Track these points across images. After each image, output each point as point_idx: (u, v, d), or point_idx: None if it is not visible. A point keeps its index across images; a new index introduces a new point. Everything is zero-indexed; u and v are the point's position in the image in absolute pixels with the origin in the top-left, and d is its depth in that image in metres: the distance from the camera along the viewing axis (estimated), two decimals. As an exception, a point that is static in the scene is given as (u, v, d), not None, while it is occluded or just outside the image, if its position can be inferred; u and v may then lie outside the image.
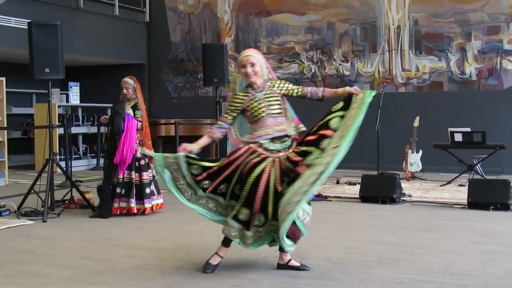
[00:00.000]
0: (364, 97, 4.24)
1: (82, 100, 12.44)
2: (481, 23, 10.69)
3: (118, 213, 6.57)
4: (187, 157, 4.27)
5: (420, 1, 11.10)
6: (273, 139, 4.23)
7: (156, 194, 6.78)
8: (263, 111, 4.24)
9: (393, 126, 10.36)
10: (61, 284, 4.01)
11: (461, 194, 7.65)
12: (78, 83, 12.36)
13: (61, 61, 6.78)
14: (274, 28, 12.36)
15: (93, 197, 7.18)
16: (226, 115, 4.35)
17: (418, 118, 9.64)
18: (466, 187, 7.19)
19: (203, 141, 4.36)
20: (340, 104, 4.30)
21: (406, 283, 3.93)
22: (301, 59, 12.12)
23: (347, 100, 4.29)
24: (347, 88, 4.37)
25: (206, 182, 4.26)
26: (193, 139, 12.18)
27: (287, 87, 4.37)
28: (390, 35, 11.36)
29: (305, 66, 12.10)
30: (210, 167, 4.27)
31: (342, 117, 4.21)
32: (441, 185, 8.79)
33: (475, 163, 8.93)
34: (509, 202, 6.75)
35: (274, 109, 4.27)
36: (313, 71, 12.02)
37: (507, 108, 9.79)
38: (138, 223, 6.22)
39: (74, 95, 12.24)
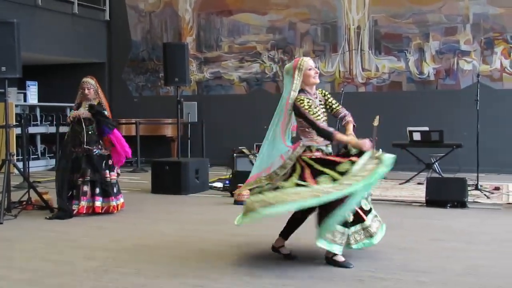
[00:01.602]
0: (384, 164, 4.45)
1: (40, 99, 12.22)
2: (438, 24, 10.89)
3: (84, 212, 6.50)
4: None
5: (379, 2, 11.25)
6: (328, 144, 4.55)
7: (119, 194, 6.77)
8: (322, 117, 4.49)
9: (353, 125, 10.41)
10: (19, 287, 3.93)
11: (419, 192, 7.77)
12: (36, 82, 12.15)
13: (18, 59, 6.65)
14: (235, 27, 12.36)
15: (51, 198, 7.06)
16: (318, 118, 4.43)
17: (378, 117, 9.73)
18: (424, 185, 7.30)
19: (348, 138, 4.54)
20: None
21: (365, 280, 3.98)
22: (263, 59, 12.15)
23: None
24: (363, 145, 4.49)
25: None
26: (154, 139, 12.15)
27: (331, 101, 4.66)
28: (350, 35, 11.48)
29: (266, 66, 12.13)
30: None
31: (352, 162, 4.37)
32: (400, 184, 8.92)
33: (433, 161, 9.08)
34: (465, 199, 6.89)
35: (326, 116, 4.59)
36: (274, 70, 12.06)
37: (464, 107, 9.97)
38: (98, 224, 6.14)
39: (32, 94, 12.02)
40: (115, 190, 6.72)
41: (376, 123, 9.70)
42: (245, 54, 12.28)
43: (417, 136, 9.06)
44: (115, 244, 5.18)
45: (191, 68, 12.08)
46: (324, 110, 4.58)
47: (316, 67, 4.59)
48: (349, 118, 4.68)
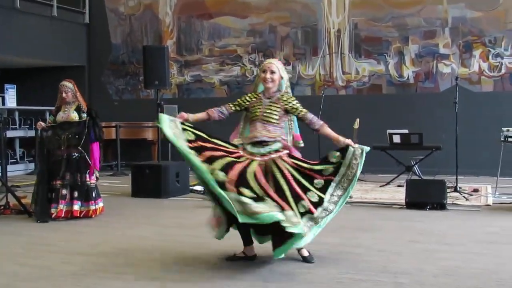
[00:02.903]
0: (362, 156, 4.57)
1: (19, 103, 12.10)
2: (418, 28, 10.98)
3: (62, 215, 6.45)
4: (183, 123, 4.54)
5: (359, 5, 11.31)
6: (255, 143, 4.48)
7: (98, 198, 6.72)
8: (257, 115, 4.52)
9: (333, 128, 10.42)
10: (-5, 292, 3.89)
11: (399, 195, 7.81)
12: (15, 86, 12.02)
13: (-5, 62, 6.58)
14: (216, 30, 12.35)
15: (29, 202, 6.98)
16: (231, 105, 4.66)
17: (358, 120, 9.79)
18: (404, 188, 7.34)
19: (200, 115, 4.68)
20: (337, 155, 4.62)
21: (344, 282, 3.99)
22: (243, 62, 12.16)
23: (344, 150, 4.60)
24: (346, 140, 4.62)
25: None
26: (134, 142, 12.08)
27: (293, 105, 4.61)
28: (330, 38, 11.53)
29: (247, 69, 12.14)
30: (202, 138, 4.49)
31: (335, 167, 4.57)
32: (380, 186, 8.97)
33: (412, 164, 9.14)
34: (445, 201, 6.95)
35: (268, 117, 4.51)
36: (255, 73, 12.06)
37: (443, 110, 10.04)
38: (77, 228, 6.10)
39: (11, 98, 11.88)
40: (94, 195, 6.67)
41: (356, 125, 9.76)
42: (225, 57, 12.28)
43: (397, 139, 9.12)
44: (93, 248, 5.15)
45: (171, 71, 12.05)
46: (277, 112, 4.53)
47: (271, 72, 4.54)
48: (319, 121, 4.68)
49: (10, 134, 11.54)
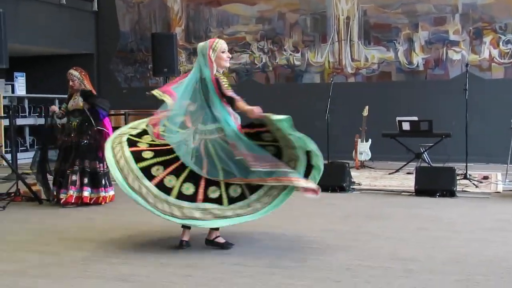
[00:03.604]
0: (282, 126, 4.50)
1: (28, 91, 12.14)
2: (427, 14, 10.89)
3: (72, 201, 6.49)
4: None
5: (368, -8, 11.24)
6: None
7: (109, 186, 6.74)
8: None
9: (342, 115, 10.46)
10: (6, 278, 3.92)
11: (409, 182, 7.80)
12: (24, 74, 12.06)
13: (4, 50, 6.61)
14: (224, 18, 12.31)
15: (40, 189, 7.03)
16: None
17: (367, 107, 9.78)
18: (414, 175, 7.33)
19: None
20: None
21: (353, 269, 3.99)
22: (252, 49, 12.12)
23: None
24: (253, 111, 4.46)
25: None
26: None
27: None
28: (339, 25, 11.47)
29: (256, 56, 12.10)
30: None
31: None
32: (389, 173, 8.95)
33: (422, 151, 9.11)
34: (454, 188, 6.93)
35: None
36: (264, 61, 12.03)
37: (453, 97, 9.99)
38: (87, 215, 6.13)
39: (20, 86, 11.94)
40: (104, 182, 6.69)
41: (365, 113, 9.75)
42: (234, 45, 12.24)
43: (406, 126, 9.09)
44: (102, 235, 5.17)
45: (180, 59, 12.02)
46: None
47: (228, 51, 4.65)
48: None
49: (19, 122, 11.59)
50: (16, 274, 4.01)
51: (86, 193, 6.55)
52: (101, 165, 6.64)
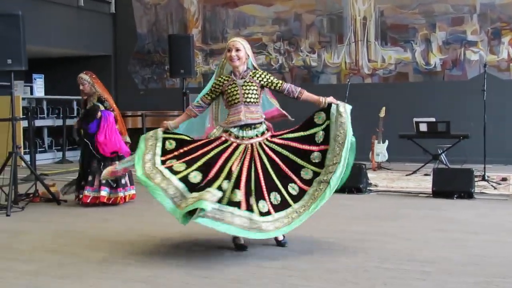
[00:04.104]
0: (347, 114, 4.54)
1: (47, 92, 12.24)
2: (445, 14, 10.82)
3: (88, 201, 6.54)
4: (164, 132, 4.58)
5: (385, -8, 11.19)
6: (242, 126, 4.45)
7: (129, 185, 6.78)
8: (237, 98, 4.47)
9: (359, 116, 10.34)
10: (24, 278, 3.95)
11: (426, 183, 7.74)
12: (43, 75, 12.17)
13: (23, 52, 6.65)
14: (241, 19, 12.33)
15: (58, 190, 7.09)
16: (206, 95, 4.62)
17: (384, 108, 9.74)
18: (431, 176, 7.27)
19: (181, 118, 4.68)
20: (323, 116, 4.57)
21: (371, 271, 3.97)
22: (268, 50, 12.12)
23: (327, 110, 4.56)
24: (327, 99, 4.59)
25: (174, 160, 4.40)
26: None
27: (268, 78, 4.57)
28: (356, 26, 11.43)
29: (272, 57, 12.10)
30: (184, 142, 4.50)
31: (324, 129, 4.52)
32: (406, 175, 8.90)
33: (439, 152, 9.05)
34: (472, 190, 6.87)
35: (250, 98, 4.48)
36: (280, 62, 12.03)
37: (471, 98, 9.90)
38: (105, 215, 6.16)
39: (39, 87, 12.04)
40: (123, 181, 6.72)
41: (382, 114, 9.70)
42: (251, 46, 12.20)
43: (423, 127, 9.03)
44: (120, 235, 5.19)
45: (196, 60, 12.06)
46: (255, 90, 4.50)
47: (236, 49, 4.47)
48: (297, 88, 4.65)
49: (38, 123, 11.69)
50: (34, 273, 4.04)
51: (104, 192, 6.59)
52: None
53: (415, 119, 9.16)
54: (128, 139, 6.91)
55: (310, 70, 11.79)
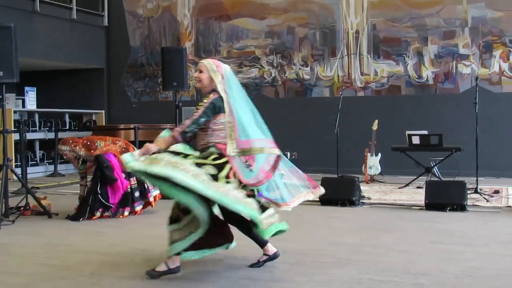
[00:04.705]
0: None
1: (39, 105, 12.20)
2: (437, 28, 10.88)
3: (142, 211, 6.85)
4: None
5: (378, 6, 11.25)
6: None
7: (152, 187, 6.92)
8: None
9: (352, 129, 10.44)
10: (15, 291, 3.91)
11: (419, 196, 7.74)
12: (35, 88, 12.12)
13: (15, 64, 6.62)
14: (234, 32, 12.36)
15: (50, 203, 7.04)
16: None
17: (376, 121, 9.76)
18: (424, 189, 7.27)
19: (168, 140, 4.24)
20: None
21: (364, 283, 3.95)
22: (261, 64, 12.14)
23: None
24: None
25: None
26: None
27: (199, 105, 4.25)
28: (349, 39, 11.47)
29: (265, 71, 12.12)
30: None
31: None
32: (399, 187, 8.90)
33: (432, 165, 9.06)
34: (465, 203, 6.87)
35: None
36: (273, 75, 12.05)
37: (463, 111, 9.96)
38: (97, 228, 6.11)
39: (31, 100, 11.98)
40: (137, 195, 6.84)
41: (375, 127, 9.72)
42: (243, 59, 12.28)
43: (416, 140, 9.04)
44: (112, 248, 5.15)
45: (189, 73, 12.04)
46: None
47: (199, 71, 4.32)
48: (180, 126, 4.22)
49: (30, 136, 11.64)
50: (26, 287, 4.00)
51: (151, 196, 6.92)
52: (131, 179, 6.80)
53: (407, 132, 9.18)
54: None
55: (303, 83, 11.81)
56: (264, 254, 4.42)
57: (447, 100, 10.76)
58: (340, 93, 9.25)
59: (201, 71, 4.34)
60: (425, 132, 9.18)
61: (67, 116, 12.82)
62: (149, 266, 4.47)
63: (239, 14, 12.28)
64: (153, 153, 4.08)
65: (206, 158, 4.11)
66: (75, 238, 5.65)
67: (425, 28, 10.96)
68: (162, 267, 4.18)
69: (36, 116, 12.25)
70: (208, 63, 4.36)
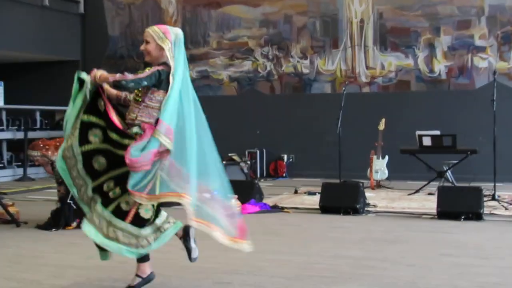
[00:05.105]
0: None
1: (6, 101, 12.16)
2: (450, 17, 10.92)
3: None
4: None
5: (385, -8, 11.30)
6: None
7: None
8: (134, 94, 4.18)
9: (356, 129, 10.47)
10: (-22, 309, 3.90)
11: (430, 203, 7.77)
12: (2, 82, 12.10)
13: (-20, 55, 6.62)
14: (225, 21, 12.37)
15: (18, 211, 7.03)
16: None
17: (383, 120, 9.78)
18: (436, 196, 7.30)
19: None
20: None
21: (369, 300, 3.97)
22: (255, 56, 12.16)
23: None
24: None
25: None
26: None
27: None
28: (352, 29, 11.51)
29: (259, 64, 12.14)
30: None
31: None
32: (408, 194, 8.92)
33: (445, 169, 9.09)
34: (481, 211, 6.89)
35: (136, 95, 4.14)
36: (268, 69, 12.07)
37: (479, 109, 10.00)
38: (70, 239, 6.10)
39: (-3, 96, 11.97)
40: None
41: (381, 127, 9.74)
42: (235, 51, 12.29)
43: (427, 141, 9.07)
44: (87, 261, 5.14)
45: (175, 66, 12.05)
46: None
47: (146, 42, 4.15)
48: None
49: (-4, 136, 11.62)
50: (-10, 304, 4.00)
51: None
52: None
53: (418, 132, 9.21)
54: None
55: (302, 78, 11.83)
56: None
57: (462, 97, 10.81)
58: (343, 88, 9.27)
59: (147, 42, 4.16)
60: (437, 132, 9.21)
61: (38, 113, 12.80)
62: (127, 281, 4.47)
63: (231, 1, 12.31)
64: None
65: (128, 137, 4.04)
66: (46, 250, 5.64)
67: (437, 17, 11.00)
68: (136, 281, 4.19)
69: (4, 113, 12.22)
70: (153, 31, 4.17)
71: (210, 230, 3.99)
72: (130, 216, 4.00)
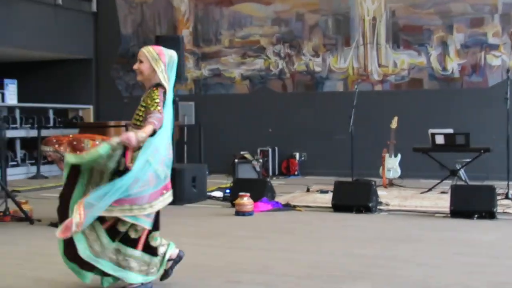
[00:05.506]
0: None
1: (20, 99, 12.23)
2: (463, 15, 10.87)
3: None
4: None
5: (397, -10, 11.26)
6: None
7: None
8: (133, 118, 4.18)
9: (368, 128, 10.45)
10: (-9, 307, 3.93)
11: (443, 202, 7.74)
12: (16, 81, 12.16)
13: (-7, 54, 6.65)
14: (237, 19, 12.37)
15: (32, 208, 7.07)
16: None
17: (396, 119, 9.74)
18: (449, 194, 7.27)
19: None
20: None
21: (380, 299, 3.95)
22: (267, 54, 12.15)
23: None
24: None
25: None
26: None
27: (152, 98, 4.09)
28: (365, 27, 11.47)
29: (271, 62, 12.13)
30: None
31: None
32: (421, 193, 8.89)
33: (458, 168, 9.05)
34: (494, 210, 6.86)
35: (134, 120, 4.16)
36: (280, 67, 12.06)
37: (493, 107, 9.95)
38: (82, 238, 6.12)
39: (11, 94, 12.02)
40: None
41: (394, 125, 9.71)
42: (247, 49, 12.29)
43: (440, 140, 9.03)
44: (100, 259, 5.16)
45: (187, 65, 12.08)
46: (140, 112, 4.14)
47: (139, 61, 4.15)
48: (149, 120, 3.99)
49: (10, 134, 11.67)
50: (2, 302, 4.02)
51: None
52: None
53: (430, 131, 9.17)
54: None
55: (314, 76, 11.81)
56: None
57: (475, 95, 10.75)
58: (355, 87, 9.25)
59: (141, 61, 4.14)
60: (450, 130, 9.17)
61: (51, 111, 12.86)
62: (141, 279, 4.48)
63: (243, -1, 12.29)
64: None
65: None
66: (57, 247, 5.65)
67: (450, 15, 10.95)
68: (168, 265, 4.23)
69: (17, 111, 12.29)
70: (147, 51, 4.15)
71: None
72: (141, 244, 4.01)
